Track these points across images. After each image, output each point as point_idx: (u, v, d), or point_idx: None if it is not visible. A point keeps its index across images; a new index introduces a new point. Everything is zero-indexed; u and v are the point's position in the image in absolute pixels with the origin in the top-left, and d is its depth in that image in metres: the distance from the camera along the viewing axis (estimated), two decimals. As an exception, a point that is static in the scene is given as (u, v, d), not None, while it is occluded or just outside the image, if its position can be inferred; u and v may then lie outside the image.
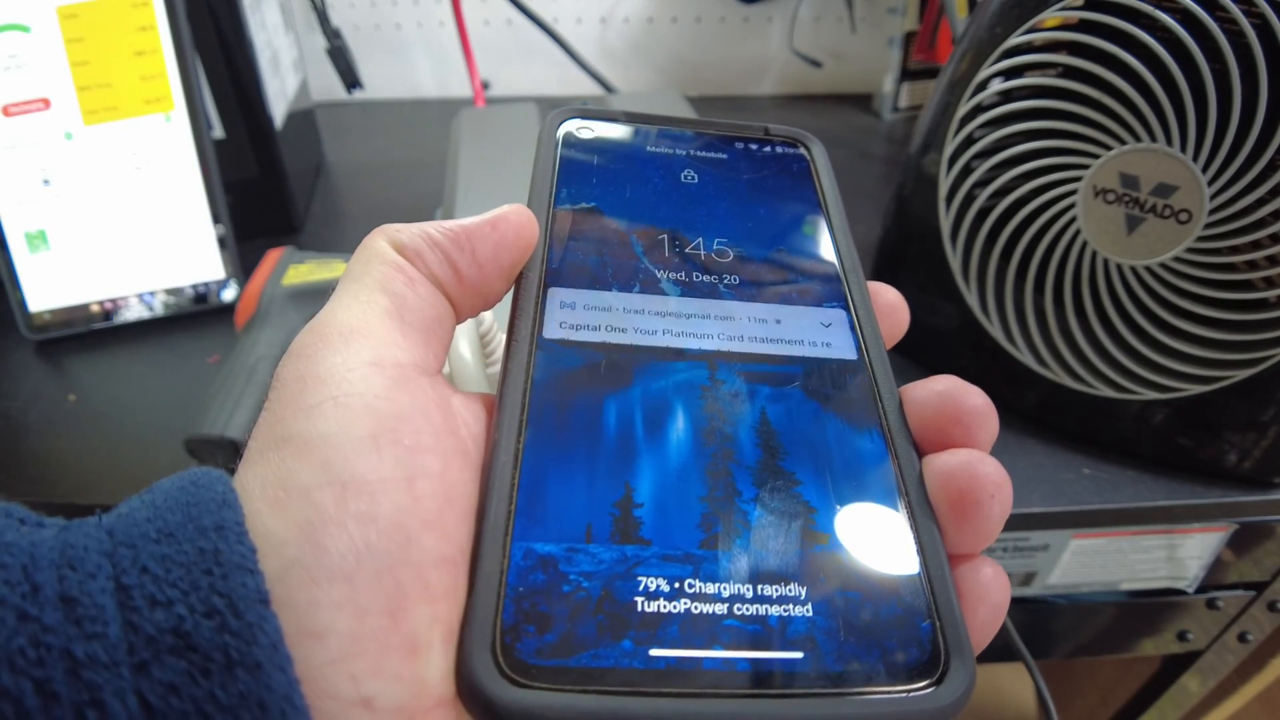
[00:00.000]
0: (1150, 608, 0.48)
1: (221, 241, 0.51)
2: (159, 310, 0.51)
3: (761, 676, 0.13)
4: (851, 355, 0.18)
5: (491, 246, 0.18)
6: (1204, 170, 0.33)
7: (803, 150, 0.24)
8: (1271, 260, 0.34)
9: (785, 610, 0.14)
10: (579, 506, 0.14)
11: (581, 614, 0.13)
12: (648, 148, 0.23)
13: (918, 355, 0.48)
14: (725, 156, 0.23)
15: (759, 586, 0.14)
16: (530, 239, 0.18)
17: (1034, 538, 0.42)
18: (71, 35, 0.47)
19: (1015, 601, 0.47)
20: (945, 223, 0.42)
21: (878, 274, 0.49)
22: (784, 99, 0.95)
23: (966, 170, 0.40)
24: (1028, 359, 0.41)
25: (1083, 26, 0.35)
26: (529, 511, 0.14)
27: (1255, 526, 0.42)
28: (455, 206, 0.47)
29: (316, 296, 0.45)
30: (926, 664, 0.14)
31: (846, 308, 0.19)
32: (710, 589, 0.14)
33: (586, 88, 0.85)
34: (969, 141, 0.40)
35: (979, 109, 0.39)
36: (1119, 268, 0.37)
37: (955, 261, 0.42)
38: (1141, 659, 0.58)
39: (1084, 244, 0.37)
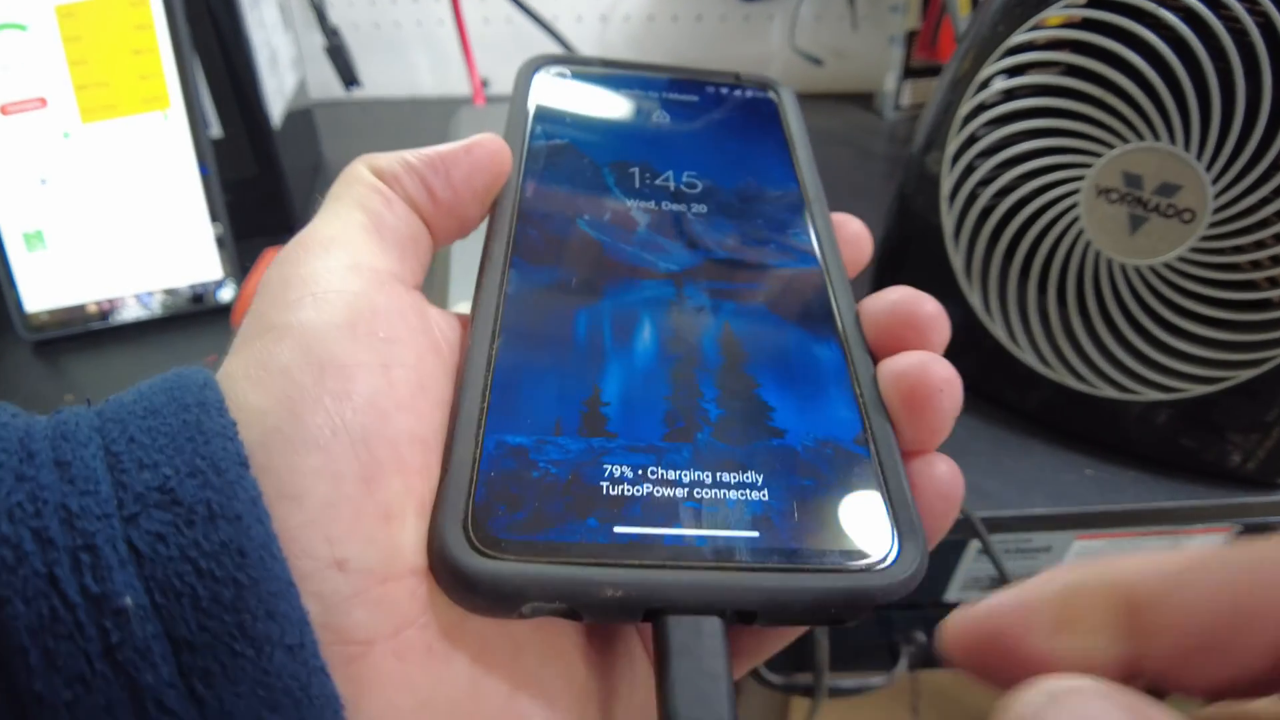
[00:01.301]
0: (1153, 609, 0.48)
1: (219, 241, 0.51)
2: (156, 310, 0.51)
3: (718, 551, 0.14)
4: (812, 272, 0.19)
5: (465, 170, 0.18)
6: (1208, 169, 0.33)
7: (771, 94, 0.25)
8: (1276, 260, 0.33)
9: (742, 495, 0.14)
10: (548, 403, 0.15)
11: (549, 495, 0.14)
12: (621, 90, 0.23)
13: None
14: (696, 99, 0.24)
15: (718, 473, 0.15)
16: (503, 165, 0.19)
17: (1037, 539, 0.42)
18: (69, 34, 0.47)
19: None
20: (947, 222, 0.42)
21: (879, 273, 0.49)
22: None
23: (969, 169, 0.40)
24: (1030, 359, 0.41)
25: (1086, 24, 0.35)
26: (501, 406, 0.15)
27: (1259, 528, 0.42)
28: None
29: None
30: (878, 542, 0.14)
31: (807, 231, 0.20)
32: (671, 475, 0.14)
33: (586, 86, 0.84)
34: (971, 140, 0.40)
35: (981, 107, 0.39)
36: (1122, 267, 0.37)
37: (957, 261, 0.42)
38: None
39: (1087, 243, 0.37)
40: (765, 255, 0.19)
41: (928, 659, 0.50)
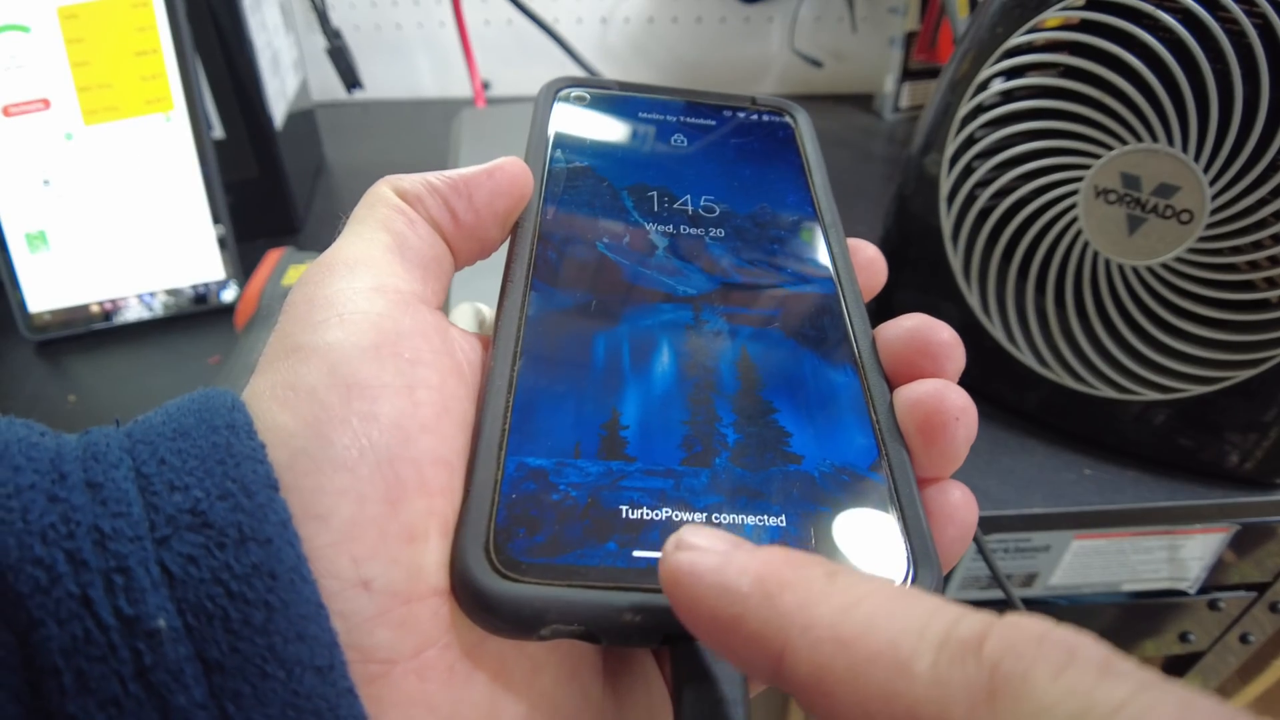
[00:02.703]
0: (1152, 609, 0.48)
1: (221, 242, 0.51)
2: (159, 311, 0.51)
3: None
4: (828, 298, 0.19)
5: (488, 194, 0.19)
6: (1205, 170, 0.33)
7: (788, 118, 0.26)
8: (1273, 260, 0.33)
9: (760, 520, 0.14)
10: (568, 426, 0.15)
11: (569, 519, 0.14)
12: (639, 114, 0.24)
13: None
14: (713, 123, 0.24)
15: (735, 498, 0.15)
16: (525, 188, 0.19)
17: (1035, 539, 0.42)
18: (71, 35, 0.47)
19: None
20: (946, 223, 0.42)
21: (878, 274, 0.49)
22: (784, 98, 0.95)
23: (967, 170, 0.40)
24: (1029, 359, 0.41)
25: (1084, 26, 0.35)
26: (522, 429, 0.15)
27: (1257, 527, 0.42)
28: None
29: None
30: (894, 569, 0.14)
31: (825, 256, 0.20)
32: (690, 499, 0.14)
33: (587, 88, 0.85)
34: (970, 142, 0.40)
35: (980, 109, 0.39)
36: (1120, 268, 0.37)
37: (956, 262, 0.42)
38: (1143, 660, 0.58)
39: (1085, 244, 0.37)
40: (782, 280, 0.19)
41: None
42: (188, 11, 0.49)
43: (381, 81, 0.88)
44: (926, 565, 0.14)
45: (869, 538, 0.15)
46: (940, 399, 0.16)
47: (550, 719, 0.14)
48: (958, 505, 0.16)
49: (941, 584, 0.14)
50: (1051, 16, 0.36)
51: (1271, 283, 0.34)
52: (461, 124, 0.58)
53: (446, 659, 0.13)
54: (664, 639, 0.13)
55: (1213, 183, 0.33)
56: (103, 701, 0.11)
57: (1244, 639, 0.50)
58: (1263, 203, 0.33)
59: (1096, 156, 0.36)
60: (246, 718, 0.11)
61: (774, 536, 0.14)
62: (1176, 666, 0.55)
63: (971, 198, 0.41)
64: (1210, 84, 0.32)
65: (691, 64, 0.93)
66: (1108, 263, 0.37)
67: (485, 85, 0.84)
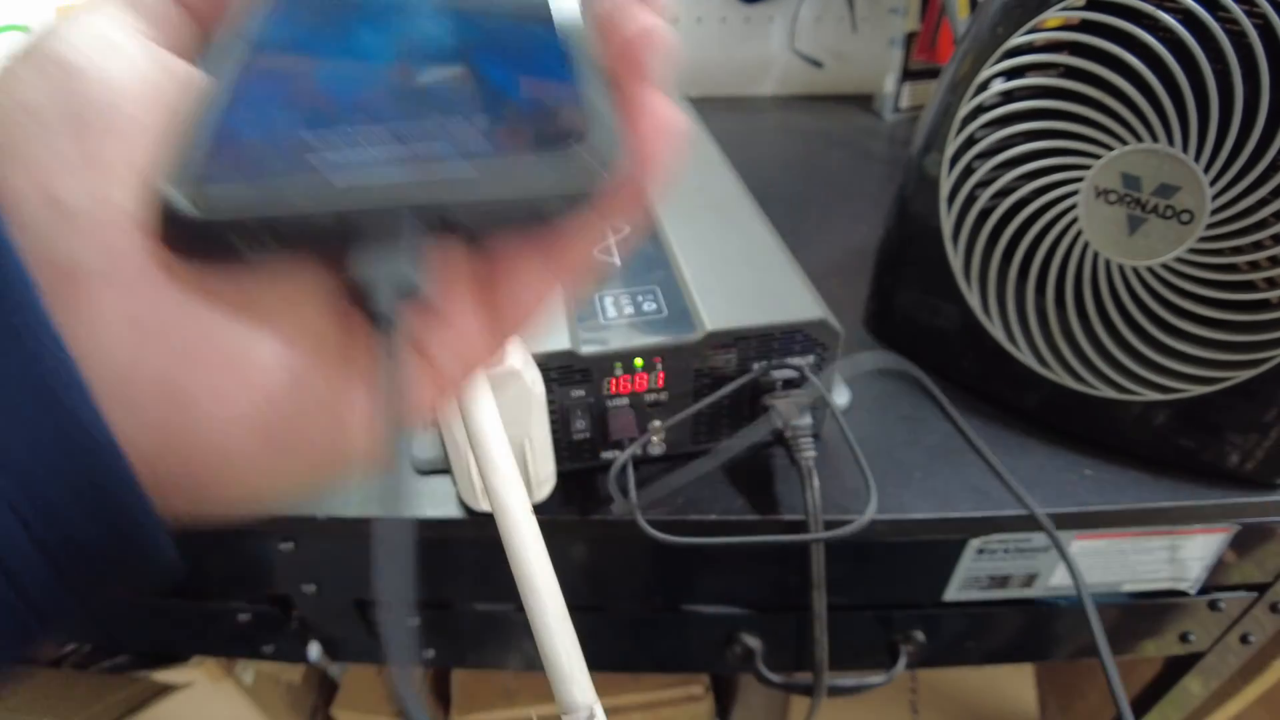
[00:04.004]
0: (1152, 609, 0.48)
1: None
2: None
3: (415, 163, 0.14)
4: None
5: None
6: (1206, 170, 0.33)
7: None
8: (1273, 260, 0.34)
9: (442, 122, 0.15)
10: (274, 82, 0.15)
11: (264, 153, 0.14)
12: None
13: (919, 355, 0.48)
14: None
15: (418, 112, 0.15)
16: None
17: (1036, 539, 0.42)
18: (71, 35, 0.47)
19: (1016, 603, 0.47)
20: (946, 223, 0.42)
21: (879, 274, 0.49)
22: (785, 99, 0.95)
23: (968, 171, 0.40)
24: (1029, 360, 0.41)
25: (1084, 27, 0.35)
26: (228, 87, 0.15)
27: (1257, 528, 0.42)
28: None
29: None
30: (571, 138, 0.14)
31: None
32: (375, 122, 0.15)
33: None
34: (970, 142, 0.40)
35: (980, 109, 0.39)
36: (1120, 268, 0.37)
37: (956, 262, 0.42)
38: (1143, 660, 0.58)
39: (1085, 244, 0.37)
40: None
41: (927, 658, 0.50)
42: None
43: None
44: (604, 134, 0.14)
45: (550, 117, 0.15)
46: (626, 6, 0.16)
47: (261, 329, 0.14)
48: (650, 102, 0.16)
49: (620, 150, 0.14)
50: (1052, 16, 0.36)
51: (1272, 283, 0.34)
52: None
53: (146, 277, 0.14)
54: (341, 243, 0.14)
55: (1213, 183, 0.33)
56: None
57: (1244, 639, 0.50)
58: (1263, 203, 0.33)
59: (1097, 157, 0.36)
60: None
61: (456, 130, 0.15)
62: (1177, 667, 0.55)
63: (972, 198, 0.41)
64: (1210, 84, 0.32)
65: (692, 64, 0.93)
66: (1108, 263, 0.37)
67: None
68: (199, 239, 0.14)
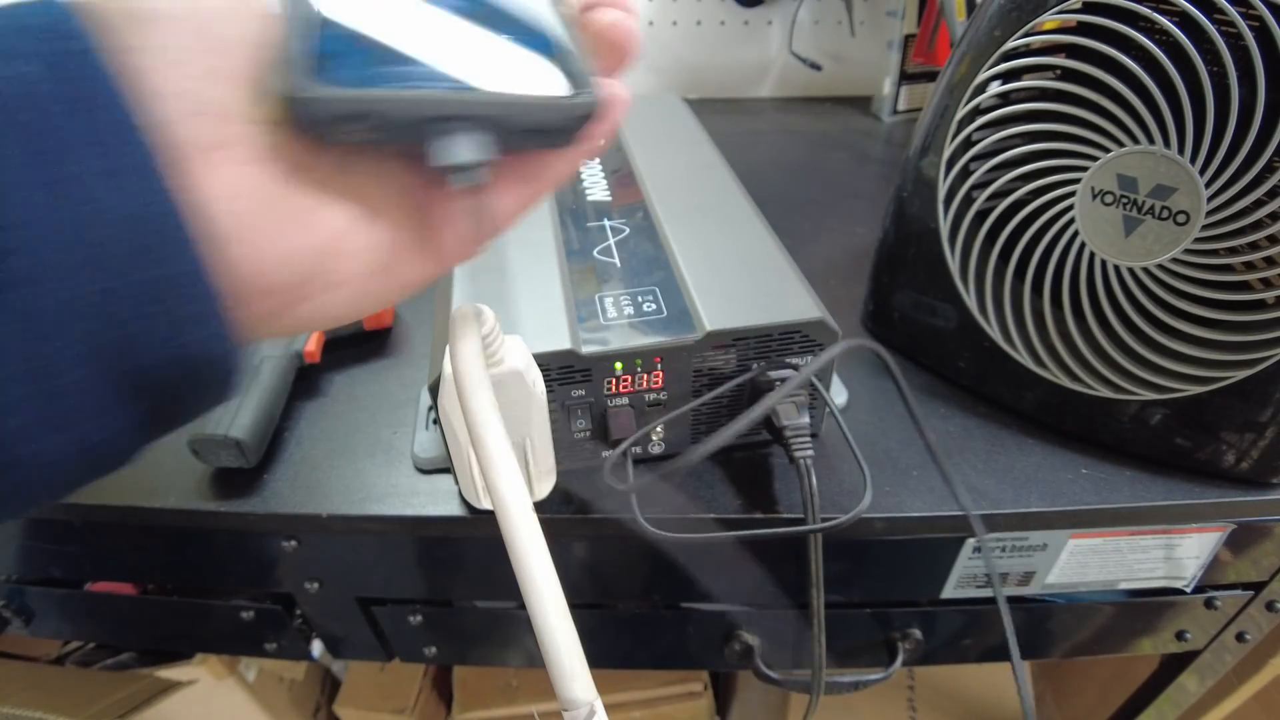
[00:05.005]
0: (1148, 607, 0.48)
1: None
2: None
3: (467, 84, 0.20)
4: None
5: None
6: (1201, 172, 0.33)
7: None
8: (1269, 261, 0.34)
9: (479, 56, 0.20)
10: (334, 22, 0.20)
11: (354, 59, 0.19)
12: None
13: (916, 355, 0.49)
14: None
15: (464, 48, 0.20)
16: None
17: (1032, 537, 0.42)
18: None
19: (1014, 601, 0.48)
20: (944, 225, 0.42)
21: (877, 275, 0.50)
22: (783, 101, 0.96)
23: (965, 172, 0.41)
24: (1026, 360, 0.42)
25: (1081, 29, 0.36)
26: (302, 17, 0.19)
27: (1253, 526, 0.42)
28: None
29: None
30: (566, 77, 0.21)
31: None
32: (434, 51, 0.20)
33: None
34: (967, 144, 0.40)
35: (977, 111, 0.39)
36: (1117, 269, 0.37)
37: (954, 263, 0.42)
38: (1140, 658, 0.58)
39: (1082, 245, 0.38)
40: None
41: (925, 655, 0.50)
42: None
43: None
44: (588, 85, 0.21)
45: (544, 64, 0.21)
46: None
47: (348, 198, 0.20)
48: (614, 81, 0.22)
49: (597, 95, 0.21)
50: (1048, 19, 0.36)
51: (1267, 283, 0.34)
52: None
53: (255, 148, 0.18)
54: (424, 128, 0.19)
55: (1208, 184, 0.34)
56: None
57: (1240, 637, 0.50)
58: (1258, 204, 0.33)
59: (1093, 158, 0.36)
60: (88, 140, 0.15)
61: (491, 64, 0.20)
62: (1173, 665, 0.56)
63: (969, 199, 0.41)
64: (1206, 86, 0.32)
65: (692, 67, 0.94)
66: (1104, 264, 0.37)
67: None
68: (318, 118, 0.18)
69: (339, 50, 0.19)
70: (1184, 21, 0.33)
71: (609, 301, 0.38)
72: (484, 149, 0.20)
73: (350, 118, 0.18)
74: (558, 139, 0.21)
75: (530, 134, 0.20)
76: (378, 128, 0.19)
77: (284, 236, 0.18)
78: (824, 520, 0.36)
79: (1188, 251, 0.35)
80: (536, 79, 0.20)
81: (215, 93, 0.17)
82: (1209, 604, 0.48)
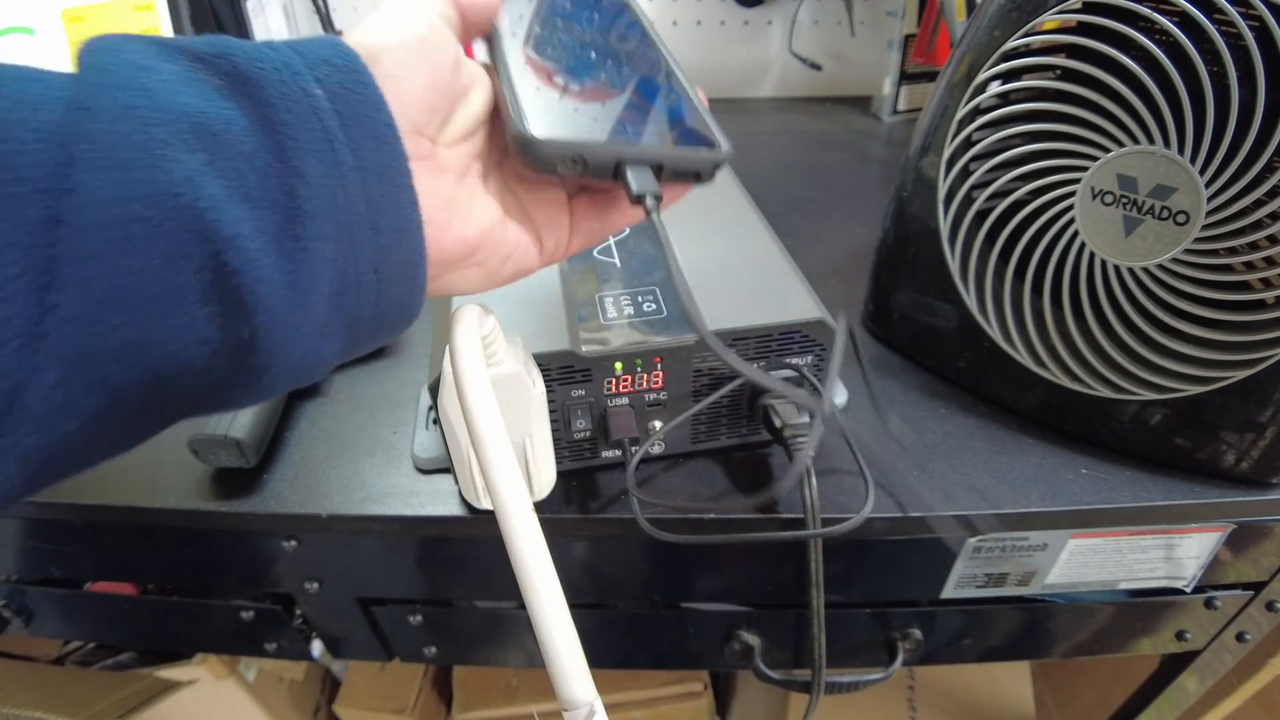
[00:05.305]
0: (1148, 607, 0.48)
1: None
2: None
3: (646, 141, 0.27)
4: (655, 44, 0.32)
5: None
6: (1201, 172, 0.33)
7: None
8: (1268, 261, 0.34)
9: (653, 122, 0.28)
10: (550, 78, 0.28)
11: (564, 117, 0.27)
12: None
13: (916, 355, 0.49)
14: None
15: (642, 114, 0.28)
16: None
17: (1032, 537, 0.42)
18: (76, 38, 0.48)
19: (1013, 601, 0.48)
20: (944, 225, 0.42)
21: (877, 275, 0.50)
22: (784, 101, 0.96)
23: (965, 172, 0.41)
24: (1026, 360, 0.42)
25: (1081, 29, 0.36)
26: (533, 75, 0.28)
27: (1253, 526, 0.42)
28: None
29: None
30: (708, 139, 0.28)
31: (648, 30, 0.33)
32: (619, 113, 0.28)
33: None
34: (967, 144, 0.40)
35: (977, 111, 0.39)
36: (1116, 269, 0.37)
37: (954, 263, 0.42)
38: (1140, 658, 0.58)
39: (1082, 245, 0.38)
40: (631, 34, 0.33)
41: (925, 655, 0.50)
42: (191, 14, 0.49)
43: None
44: (720, 141, 0.28)
45: (693, 132, 0.28)
46: None
47: (518, 219, 0.28)
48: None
49: (729, 152, 0.28)
50: (1049, 19, 0.36)
51: (1267, 283, 0.34)
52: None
53: (438, 165, 0.25)
54: (615, 169, 0.26)
55: (1208, 185, 0.34)
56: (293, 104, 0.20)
57: (1240, 637, 0.50)
58: (1258, 204, 0.33)
59: (1093, 158, 0.36)
60: (355, 142, 0.21)
61: (657, 126, 0.28)
62: (1173, 665, 0.56)
63: (969, 199, 0.41)
64: (1207, 86, 0.32)
65: (692, 67, 0.94)
66: (1104, 264, 0.37)
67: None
68: (542, 156, 0.25)
69: (560, 106, 0.27)
70: (1184, 21, 0.33)
71: (609, 301, 0.38)
72: (655, 183, 0.26)
73: (571, 159, 0.25)
74: (699, 180, 0.28)
75: (683, 175, 0.27)
76: (588, 166, 0.25)
77: (454, 225, 0.25)
78: (825, 525, 0.36)
79: (1188, 251, 0.35)
80: (688, 136, 0.28)
81: (422, 118, 0.24)
82: (1209, 604, 0.48)
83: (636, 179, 0.26)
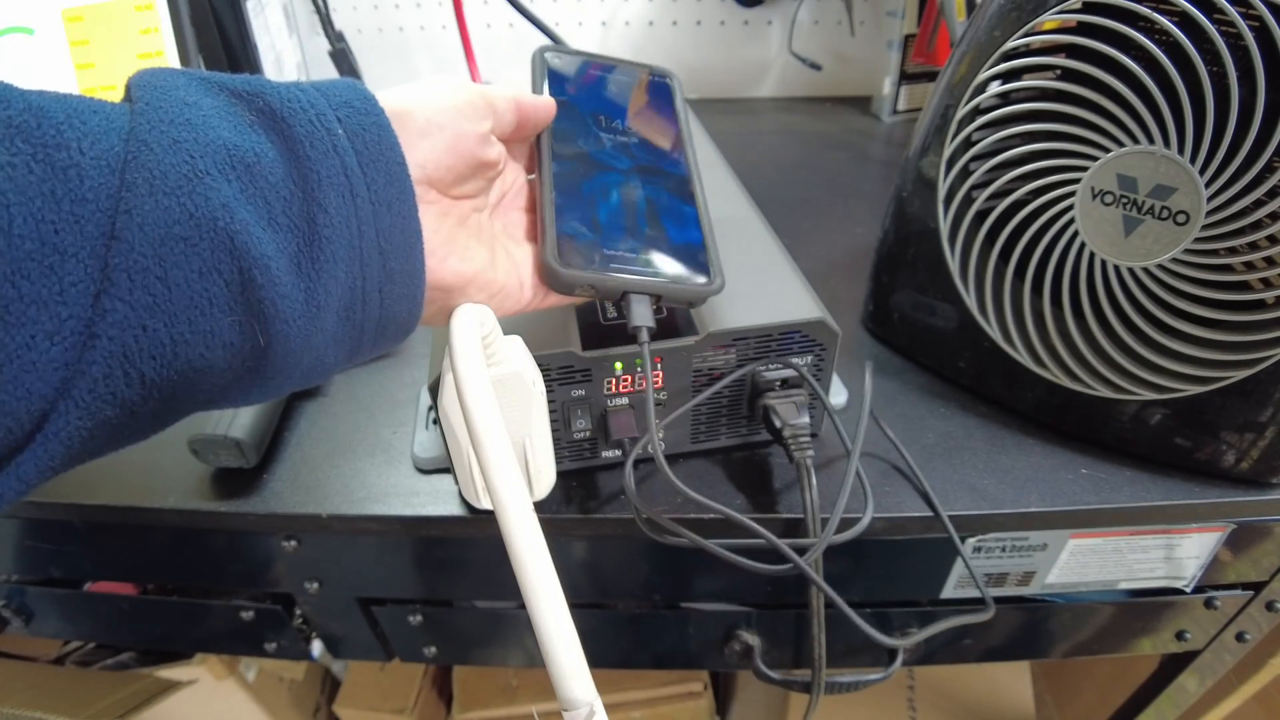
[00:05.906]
0: (1148, 607, 0.48)
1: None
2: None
3: (649, 273, 0.32)
4: (686, 174, 0.37)
5: (544, 115, 0.34)
6: (1201, 172, 0.33)
7: (670, 80, 0.43)
8: (1268, 261, 0.34)
9: (659, 254, 0.33)
10: (576, 213, 0.33)
11: (578, 249, 0.31)
12: (589, 69, 0.40)
13: (916, 355, 0.49)
14: (629, 79, 0.41)
15: (650, 247, 0.33)
16: (551, 114, 0.35)
17: (1032, 537, 0.42)
18: (76, 38, 0.48)
19: (1013, 601, 0.48)
20: (944, 225, 0.42)
21: (877, 274, 0.50)
22: (783, 101, 0.96)
23: (965, 172, 0.41)
24: (1026, 360, 0.42)
25: (1081, 29, 0.36)
26: (561, 211, 0.32)
27: (1253, 526, 0.42)
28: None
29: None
30: (706, 272, 0.33)
31: (685, 151, 0.39)
32: (631, 246, 0.33)
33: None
34: (967, 144, 0.40)
35: (977, 111, 0.39)
36: (1116, 269, 0.37)
37: (954, 263, 0.42)
38: (1140, 658, 0.58)
39: (1082, 245, 0.38)
40: (664, 160, 0.37)
41: (925, 655, 0.50)
42: (191, 14, 0.49)
43: (384, 84, 0.88)
44: (718, 274, 0.33)
45: (694, 261, 0.33)
46: None
47: (488, 257, 0.30)
48: None
49: (723, 284, 0.33)
50: (1048, 19, 0.36)
51: (1267, 283, 0.34)
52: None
53: (441, 209, 0.28)
54: (621, 296, 0.32)
55: (1208, 184, 0.34)
56: (323, 153, 0.23)
57: (1240, 637, 0.50)
58: (1258, 204, 0.33)
59: (1093, 158, 0.36)
60: (370, 177, 0.24)
61: (665, 259, 0.33)
62: (1173, 665, 0.56)
63: (969, 199, 0.41)
64: (1206, 86, 0.32)
65: (692, 67, 0.94)
66: (1104, 264, 0.37)
67: (486, 87, 0.84)
68: (564, 285, 0.31)
69: (583, 236, 0.32)
70: (1184, 21, 0.33)
71: (609, 301, 0.38)
72: (653, 315, 0.32)
73: (584, 285, 0.31)
74: (691, 306, 0.34)
75: (678, 303, 0.33)
76: (599, 293, 0.31)
77: (450, 261, 0.28)
78: (824, 521, 0.36)
79: (1188, 251, 0.35)
80: (689, 269, 0.33)
81: (438, 174, 0.28)
82: (1209, 604, 0.48)
83: (636, 312, 0.31)
